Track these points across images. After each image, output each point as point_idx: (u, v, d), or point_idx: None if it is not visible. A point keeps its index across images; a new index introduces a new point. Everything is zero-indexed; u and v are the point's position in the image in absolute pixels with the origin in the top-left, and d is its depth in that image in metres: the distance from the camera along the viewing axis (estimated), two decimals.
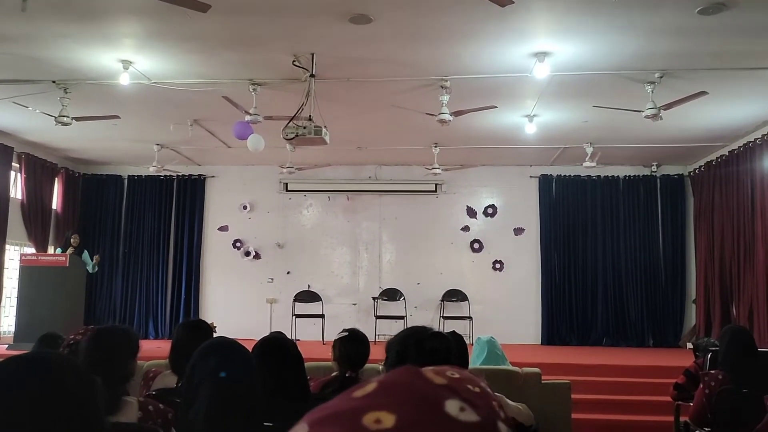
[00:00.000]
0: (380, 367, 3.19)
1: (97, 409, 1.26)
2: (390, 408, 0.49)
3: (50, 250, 10.51)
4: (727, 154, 9.44)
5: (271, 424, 1.88)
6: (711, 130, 8.71)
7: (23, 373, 1.21)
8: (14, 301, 9.36)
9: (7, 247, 9.74)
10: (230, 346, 1.88)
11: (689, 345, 9.77)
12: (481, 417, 0.51)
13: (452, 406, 0.50)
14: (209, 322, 3.03)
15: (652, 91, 6.73)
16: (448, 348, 2.08)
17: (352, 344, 3.22)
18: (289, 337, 2.97)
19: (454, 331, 3.06)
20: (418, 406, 0.50)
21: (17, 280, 9.22)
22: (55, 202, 10.98)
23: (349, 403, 0.51)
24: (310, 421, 0.50)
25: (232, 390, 1.70)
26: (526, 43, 5.98)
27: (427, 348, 2.00)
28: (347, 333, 3.29)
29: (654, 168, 10.94)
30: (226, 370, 1.73)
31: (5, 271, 9.71)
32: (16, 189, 10.14)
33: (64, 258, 9.13)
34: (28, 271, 8.96)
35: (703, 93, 6.54)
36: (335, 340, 3.26)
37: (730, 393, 3.66)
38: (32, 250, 10.06)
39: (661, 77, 6.62)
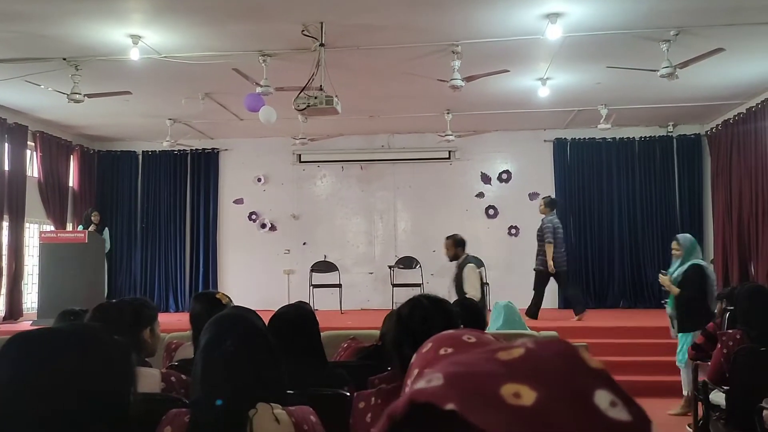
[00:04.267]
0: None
1: (131, 376, 1.29)
2: (533, 383, 0.44)
3: (69, 227, 10.64)
4: (744, 111, 9.29)
5: (292, 392, 1.92)
6: (728, 87, 8.56)
7: (61, 343, 1.24)
8: (36, 278, 9.52)
9: (27, 225, 9.86)
10: (229, 318, 1.86)
11: None
12: (632, 417, 0.44)
13: (602, 399, 0.44)
14: (221, 294, 3.04)
15: (667, 50, 6.61)
16: (449, 312, 2.07)
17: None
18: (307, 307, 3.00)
19: (464, 296, 3.07)
20: (565, 389, 0.44)
21: (38, 258, 9.37)
22: (72, 180, 11.07)
23: (489, 366, 0.46)
24: (446, 374, 0.47)
25: (221, 361, 1.71)
26: (537, 4, 5.87)
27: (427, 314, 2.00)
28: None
29: (670, 128, 10.80)
30: (218, 343, 1.74)
31: (26, 248, 9.86)
32: (33, 167, 10.24)
33: (83, 234, 9.26)
34: (48, 248, 9.10)
35: (719, 50, 6.41)
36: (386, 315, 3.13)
37: (748, 352, 3.67)
38: (51, 228, 10.19)
39: (676, 35, 6.49)
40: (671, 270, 5.66)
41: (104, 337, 1.30)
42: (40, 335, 1.27)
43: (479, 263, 6.13)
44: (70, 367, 1.19)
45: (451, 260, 6.51)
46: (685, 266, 5.49)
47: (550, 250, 8.47)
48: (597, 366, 0.47)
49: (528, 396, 0.43)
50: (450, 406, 0.43)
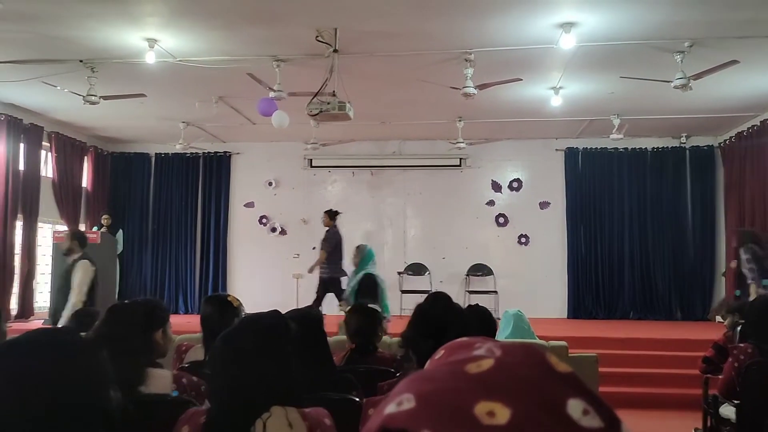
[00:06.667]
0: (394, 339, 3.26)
1: (103, 381, 1.31)
2: (506, 400, 0.44)
3: (82, 227, 10.71)
4: (758, 124, 9.24)
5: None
6: (742, 99, 8.52)
7: (26, 354, 1.26)
8: (48, 278, 9.57)
9: (40, 224, 9.94)
10: (245, 319, 1.88)
11: (718, 318, 9.68)
12: (604, 424, 0.45)
13: (575, 408, 0.44)
14: (231, 297, 3.06)
15: (682, 61, 6.59)
16: (460, 315, 2.09)
17: (353, 316, 3.30)
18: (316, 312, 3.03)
19: (477, 304, 3.08)
20: (538, 402, 0.44)
21: (51, 257, 9.43)
22: (86, 181, 11.15)
23: (460, 383, 0.46)
24: (417, 392, 0.46)
25: (228, 353, 1.72)
26: (551, 13, 5.88)
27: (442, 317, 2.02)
28: (351, 306, 3.38)
29: (683, 139, 10.75)
30: (227, 340, 1.75)
31: (38, 248, 9.93)
32: (47, 168, 10.32)
33: (95, 235, 9.31)
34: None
35: (734, 62, 6.39)
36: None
37: (760, 366, 3.64)
38: (64, 228, 10.25)
39: (691, 46, 6.48)
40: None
41: (73, 342, 1.32)
42: (12, 345, 1.31)
43: (93, 263, 5.53)
44: (37, 373, 1.22)
45: (64, 254, 5.84)
46: (360, 275, 6.04)
47: (323, 257, 8.68)
48: (565, 370, 0.47)
49: (502, 414, 0.43)
50: None
